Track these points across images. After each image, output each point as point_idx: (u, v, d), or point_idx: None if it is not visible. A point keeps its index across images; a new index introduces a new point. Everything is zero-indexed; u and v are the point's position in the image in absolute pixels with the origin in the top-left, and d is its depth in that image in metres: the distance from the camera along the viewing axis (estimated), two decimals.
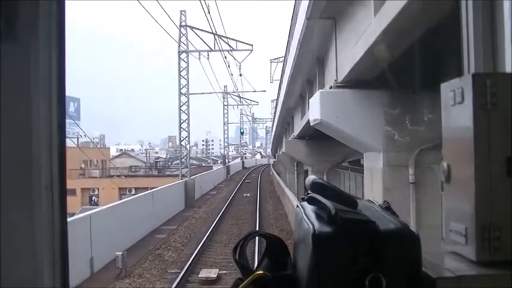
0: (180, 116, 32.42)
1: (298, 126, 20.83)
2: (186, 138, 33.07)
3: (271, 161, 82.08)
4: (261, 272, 0.90)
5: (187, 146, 34.14)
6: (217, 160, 77.74)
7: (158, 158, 76.03)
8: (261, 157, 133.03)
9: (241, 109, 77.65)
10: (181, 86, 32.20)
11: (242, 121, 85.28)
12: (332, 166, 21.07)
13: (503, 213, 1.07)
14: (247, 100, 67.11)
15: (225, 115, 66.83)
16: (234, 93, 58.49)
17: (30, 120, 0.68)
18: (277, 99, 36.44)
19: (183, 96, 32.33)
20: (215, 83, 55.98)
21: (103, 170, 50.69)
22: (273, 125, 53.77)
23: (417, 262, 0.86)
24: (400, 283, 0.84)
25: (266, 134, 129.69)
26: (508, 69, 1.84)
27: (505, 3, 1.49)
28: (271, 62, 49.54)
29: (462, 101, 1.12)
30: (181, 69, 31.92)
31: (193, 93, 34.90)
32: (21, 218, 0.67)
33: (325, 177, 19.95)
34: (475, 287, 0.99)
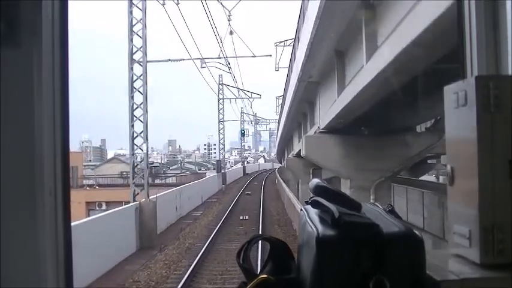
0: (131, 98, 18.61)
1: (329, 111, 12.93)
2: (142, 134, 19.02)
3: (276, 165, 79.34)
4: (265, 275, 0.90)
5: (144, 146, 19.32)
6: None
7: (153, 163, 71.63)
8: (265, 161, 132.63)
9: (242, 107, 68.59)
10: (134, 50, 18.50)
11: (243, 120, 72.33)
12: (384, 179, 13.11)
13: (507, 215, 1.06)
14: (247, 92, 54.02)
15: (221, 111, 52.63)
16: (220, 60, 35.78)
17: (33, 125, 0.68)
18: (288, 76, 24.92)
19: (137, 64, 18.51)
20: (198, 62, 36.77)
21: (73, 179, 41.98)
22: (279, 120, 42.37)
23: (421, 265, 0.86)
24: (404, 286, 0.84)
25: (270, 136, 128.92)
26: (511, 72, 1.83)
27: (507, 3, 1.48)
28: (276, 46, 36.98)
29: (465, 104, 1.12)
30: (134, 22, 18.41)
31: (152, 61, 21.84)
32: (25, 222, 0.67)
33: (372, 196, 12.63)
34: None
